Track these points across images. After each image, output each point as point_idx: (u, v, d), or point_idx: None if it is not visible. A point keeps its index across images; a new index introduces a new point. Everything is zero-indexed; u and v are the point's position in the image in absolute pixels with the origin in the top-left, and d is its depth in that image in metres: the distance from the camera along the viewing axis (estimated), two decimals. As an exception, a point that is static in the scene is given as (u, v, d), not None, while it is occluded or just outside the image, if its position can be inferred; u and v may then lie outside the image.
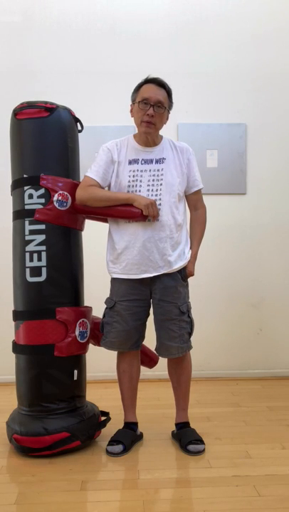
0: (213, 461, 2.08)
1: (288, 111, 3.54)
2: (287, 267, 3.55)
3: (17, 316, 2.24)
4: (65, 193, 2.20)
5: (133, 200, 2.11)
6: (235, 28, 3.50)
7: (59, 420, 2.14)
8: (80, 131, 2.36)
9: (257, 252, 3.53)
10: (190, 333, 2.24)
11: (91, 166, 2.23)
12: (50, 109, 2.20)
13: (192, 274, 2.26)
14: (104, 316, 2.28)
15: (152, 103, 2.13)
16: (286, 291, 3.55)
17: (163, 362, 2.36)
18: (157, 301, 2.20)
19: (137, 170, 2.18)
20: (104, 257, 2.30)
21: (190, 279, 2.28)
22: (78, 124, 2.35)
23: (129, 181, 2.18)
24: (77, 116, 2.36)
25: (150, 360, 2.47)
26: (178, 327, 2.19)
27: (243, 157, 3.52)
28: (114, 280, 2.26)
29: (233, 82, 3.51)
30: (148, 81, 2.18)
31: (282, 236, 3.55)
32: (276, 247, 3.55)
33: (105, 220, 2.34)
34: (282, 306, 3.54)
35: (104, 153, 2.23)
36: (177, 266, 2.19)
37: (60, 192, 2.18)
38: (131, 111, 2.24)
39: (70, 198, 2.21)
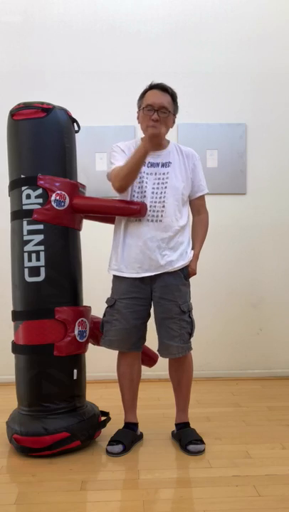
0: (213, 461, 2.08)
1: (288, 111, 3.54)
2: (287, 267, 3.55)
3: (16, 316, 2.24)
4: (63, 192, 2.20)
5: (141, 148, 2.07)
6: (235, 28, 3.50)
7: (59, 420, 2.14)
8: (76, 132, 2.36)
9: (257, 252, 3.53)
10: (190, 334, 2.24)
11: (111, 162, 2.22)
12: (46, 109, 2.20)
13: (195, 273, 2.27)
14: (104, 315, 2.28)
15: (156, 108, 2.16)
16: (286, 291, 3.54)
17: (163, 361, 2.35)
18: (158, 299, 2.20)
19: (143, 172, 2.20)
20: (103, 256, 2.30)
21: (190, 279, 2.27)
22: (75, 124, 2.35)
23: (135, 183, 2.19)
24: (77, 116, 2.36)
25: (150, 359, 2.47)
26: (178, 326, 2.19)
27: (243, 157, 3.52)
28: (115, 279, 2.26)
29: (233, 81, 3.51)
30: (152, 87, 2.21)
31: (282, 236, 3.54)
32: (276, 247, 3.55)
33: (103, 220, 2.34)
34: (282, 306, 3.54)
35: (118, 149, 2.25)
36: (178, 265, 2.19)
37: (58, 192, 2.18)
38: (138, 118, 2.26)
39: (67, 197, 2.21)
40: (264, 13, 3.51)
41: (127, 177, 2.13)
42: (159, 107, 2.16)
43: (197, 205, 2.33)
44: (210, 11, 3.49)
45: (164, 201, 2.17)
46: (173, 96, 2.22)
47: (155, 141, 2.06)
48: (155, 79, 2.25)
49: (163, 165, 2.22)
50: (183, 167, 2.25)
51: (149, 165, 2.21)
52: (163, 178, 2.20)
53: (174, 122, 2.27)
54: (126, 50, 3.47)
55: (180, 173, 2.23)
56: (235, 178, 3.51)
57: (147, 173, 2.20)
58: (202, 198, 2.33)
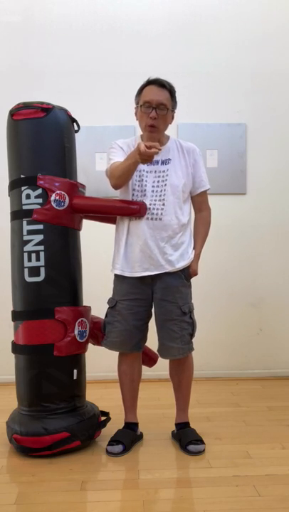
0: (213, 461, 2.08)
1: (288, 111, 3.54)
2: (287, 267, 3.55)
3: (16, 316, 2.24)
4: (63, 192, 2.20)
5: (133, 157, 2.04)
6: (235, 28, 3.50)
7: (59, 420, 2.14)
8: (76, 131, 2.36)
9: (257, 252, 3.53)
10: (191, 335, 2.23)
11: (110, 158, 2.22)
12: (46, 109, 2.20)
13: (196, 274, 2.26)
14: (106, 315, 2.28)
15: (154, 105, 2.12)
16: (286, 291, 3.54)
17: (163, 361, 2.35)
18: (158, 300, 2.20)
19: (143, 170, 2.19)
20: (103, 256, 2.30)
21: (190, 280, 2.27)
22: (75, 124, 2.35)
23: (135, 181, 2.18)
24: (77, 116, 2.36)
25: (150, 359, 2.47)
26: (179, 328, 2.19)
27: (243, 157, 3.51)
28: (116, 278, 2.26)
29: (232, 82, 3.51)
30: (149, 82, 2.17)
31: (282, 236, 3.54)
32: (276, 246, 3.55)
33: (103, 220, 2.34)
34: (282, 306, 3.54)
35: (116, 145, 2.24)
36: (179, 265, 2.19)
37: (58, 192, 2.18)
38: (136, 114, 2.23)
39: (67, 197, 2.21)
40: (264, 13, 3.51)
41: (120, 178, 2.13)
42: (157, 104, 2.12)
43: (199, 202, 2.31)
44: (210, 11, 3.49)
45: (164, 199, 2.16)
46: (171, 91, 2.18)
47: (144, 159, 1.99)
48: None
49: (162, 162, 2.20)
50: (183, 163, 2.22)
51: (148, 163, 2.20)
52: (163, 176, 2.18)
53: (172, 118, 2.24)
54: (126, 50, 3.47)
55: (180, 169, 2.21)
56: (235, 178, 3.51)
57: (147, 171, 2.19)
58: (204, 194, 2.30)
